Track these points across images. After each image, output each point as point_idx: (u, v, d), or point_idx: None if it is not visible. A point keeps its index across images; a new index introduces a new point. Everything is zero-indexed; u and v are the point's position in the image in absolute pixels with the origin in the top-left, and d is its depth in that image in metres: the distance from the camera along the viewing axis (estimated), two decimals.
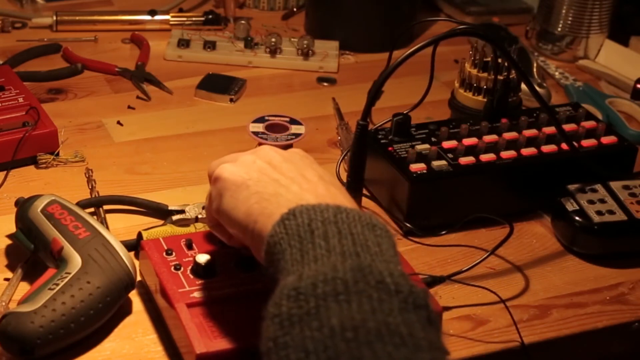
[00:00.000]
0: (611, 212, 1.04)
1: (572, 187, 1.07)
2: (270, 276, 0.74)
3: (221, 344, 0.83)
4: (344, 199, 0.77)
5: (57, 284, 0.87)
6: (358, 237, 0.71)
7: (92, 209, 1.05)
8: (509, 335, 0.92)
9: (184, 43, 1.42)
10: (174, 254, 0.92)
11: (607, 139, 1.13)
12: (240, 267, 0.91)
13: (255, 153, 0.83)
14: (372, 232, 0.73)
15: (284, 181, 0.79)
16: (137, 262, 0.95)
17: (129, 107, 1.28)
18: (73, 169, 1.14)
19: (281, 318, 0.66)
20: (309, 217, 0.73)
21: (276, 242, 0.73)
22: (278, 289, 0.68)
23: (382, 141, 1.10)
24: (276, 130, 1.14)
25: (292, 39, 1.43)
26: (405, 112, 1.13)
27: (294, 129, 1.15)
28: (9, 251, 0.99)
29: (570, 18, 1.45)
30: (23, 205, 0.97)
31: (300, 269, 0.69)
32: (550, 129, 1.12)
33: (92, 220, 0.94)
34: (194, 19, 1.50)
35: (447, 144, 1.09)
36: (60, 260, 0.90)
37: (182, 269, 0.90)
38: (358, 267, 0.67)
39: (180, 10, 1.54)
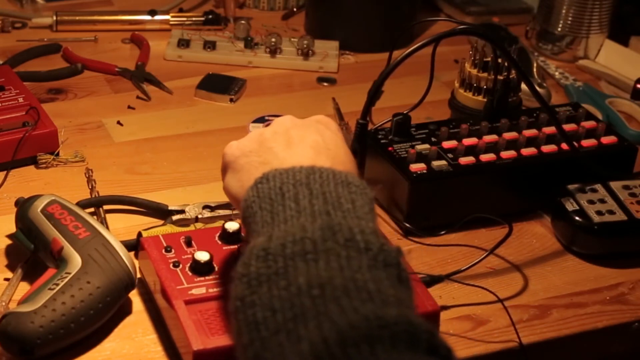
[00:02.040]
0: (611, 212, 1.04)
1: (572, 187, 1.07)
2: (246, 242, 0.74)
3: (219, 341, 0.83)
4: (331, 164, 0.77)
5: (57, 284, 0.87)
6: (330, 196, 0.72)
7: (92, 209, 1.05)
8: (509, 335, 0.92)
9: (184, 43, 1.42)
10: (173, 251, 0.92)
11: (607, 139, 1.13)
12: None
13: (271, 123, 0.84)
14: (347, 189, 0.73)
15: (277, 148, 0.79)
16: (137, 262, 0.95)
17: (129, 107, 1.28)
18: (73, 169, 1.14)
19: (249, 277, 0.66)
20: (281, 180, 0.73)
21: (248, 205, 0.74)
22: (247, 249, 0.69)
23: (382, 141, 1.10)
24: None
25: (292, 39, 1.43)
26: (405, 112, 1.13)
27: None
28: (9, 251, 1.00)
29: (570, 18, 1.45)
30: (23, 205, 0.97)
31: (270, 231, 0.70)
32: (550, 129, 1.12)
33: (92, 220, 0.94)
34: (194, 19, 1.50)
35: (447, 144, 1.09)
36: (60, 260, 0.90)
37: (180, 266, 0.90)
38: (327, 226, 0.68)
39: (180, 10, 1.54)
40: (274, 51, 1.41)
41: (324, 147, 0.79)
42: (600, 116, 1.26)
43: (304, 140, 0.80)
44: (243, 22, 1.45)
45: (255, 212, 0.73)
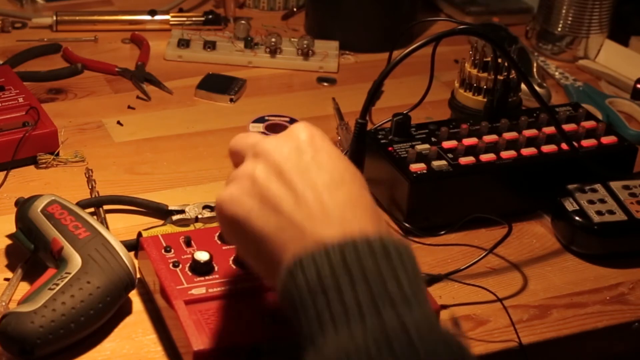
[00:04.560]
0: (611, 212, 1.04)
1: (572, 187, 1.07)
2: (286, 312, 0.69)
3: (219, 341, 0.83)
4: (355, 215, 0.69)
5: (57, 284, 0.87)
6: (374, 281, 0.64)
7: (92, 209, 1.05)
8: (509, 335, 0.92)
9: (184, 43, 1.42)
10: (172, 251, 0.92)
11: (607, 139, 1.13)
12: (238, 264, 0.91)
13: (257, 158, 0.74)
14: (388, 263, 0.65)
15: (286, 205, 0.69)
16: (137, 262, 0.95)
17: (129, 107, 1.28)
18: (73, 169, 1.14)
19: None
20: (316, 268, 0.65)
21: (288, 296, 0.67)
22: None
23: (382, 141, 1.10)
24: (276, 130, 1.15)
25: (292, 39, 1.43)
26: (405, 112, 1.13)
27: None
28: (9, 251, 0.99)
29: (570, 18, 1.45)
30: (23, 205, 0.97)
31: (320, 340, 0.64)
32: (550, 129, 1.12)
33: (92, 220, 0.94)
34: (194, 19, 1.50)
35: (447, 144, 1.09)
36: (60, 260, 0.90)
37: (180, 266, 0.90)
38: (382, 335, 0.61)
39: (180, 10, 1.54)
40: (274, 51, 1.41)
41: (335, 188, 0.70)
42: (600, 116, 1.26)
43: (311, 184, 0.70)
44: (243, 22, 1.45)
45: (299, 308, 0.66)
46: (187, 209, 1.05)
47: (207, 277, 0.89)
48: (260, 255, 0.71)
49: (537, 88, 1.12)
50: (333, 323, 0.63)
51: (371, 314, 0.63)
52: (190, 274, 0.90)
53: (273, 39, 1.41)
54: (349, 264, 0.65)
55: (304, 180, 0.70)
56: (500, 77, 1.16)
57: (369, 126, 1.02)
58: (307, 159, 0.72)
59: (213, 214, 1.05)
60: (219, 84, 1.33)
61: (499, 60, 1.16)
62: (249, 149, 0.76)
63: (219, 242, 0.94)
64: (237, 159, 0.79)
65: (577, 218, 1.03)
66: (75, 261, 0.89)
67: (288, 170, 0.71)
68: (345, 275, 0.64)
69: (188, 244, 0.93)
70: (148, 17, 1.49)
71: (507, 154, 1.09)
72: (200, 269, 0.90)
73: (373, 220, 0.69)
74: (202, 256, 0.90)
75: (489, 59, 1.18)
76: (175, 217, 1.04)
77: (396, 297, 0.64)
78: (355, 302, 0.63)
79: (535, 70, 1.39)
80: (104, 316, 0.88)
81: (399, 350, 0.60)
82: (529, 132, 1.12)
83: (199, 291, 0.88)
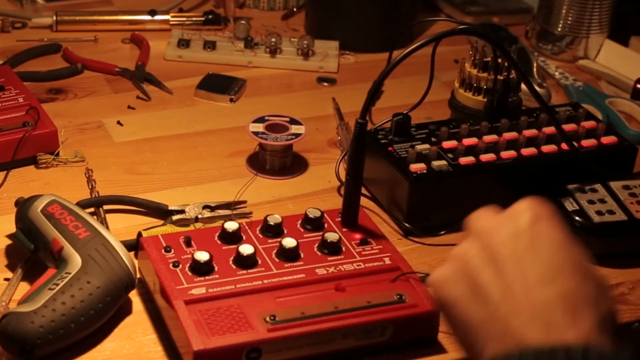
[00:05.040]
0: (611, 212, 1.04)
1: (572, 187, 1.07)
2: None
3: (219, 341, 0.83)
4: (563, 311, 0.63)
5: (57, 284, 0.87)
6: None
7: (92, 209, 1.05)
8: None
9: (184, 43, 1.42)
10: (172, 251, 0.92)
11: (607, 139, 1.13)
12: (238, 264, 0.91)
13: (475, 238, 0.69)
14: None
15: (494, 299, 0.64)
16: (137, 262, 0.95)
17: (129, 107, 1.28)
18: (73, 169, 1.14)
19: None
20: None
21: None
22: None
23: (382, 141, 1.10)
24: (276, 130, 1.14)
25: (292, 39, 1.43)
26: (405, 112, 1.13)
27: (294, 129, 1.15)
28: (9, 251, 0.99)
29: (570, 18, 1.45)
30: (23, 205, 0.97)
31: None
32: (550, 129, 1.12)
33: (92, 220, 0.94)
34: (194, 19, 1.50)
35: (447, 144, 1.09)
36: (60, 260, 0.90)
37: (180, 266, 0.90)
38: None
39: (180, 10, 1.54)
40: (274, 51, 1.41)
41: (544, 273, 0.64)
42: (600, 116, 1.26)
43: (522, 276, 0.64)
44: (243, 22, 1.45)
45: None
46: (187, 209, 1.05)
47: (207, 277, 0.89)
48: (465, 339, 0.67)
49: (537, 88, 1.12)
50: None
51: None
52: (190, 274, 0.90)
53: (273, 39, 1.41)
54: None
55: (515, 271, 0.65)
56: (500, 77, 1.16)
57: (369, 126, 1.02)
58: (524, 246, 0.66)
59: (213, 214, 1.05)
60: (219, 84, 1.33)
61: (499, 60, 1.16)
62: (473, 227, 0.71)
63: (219, 242, 0.94)
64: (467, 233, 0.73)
65: (577, 218, 1.03)
66: (75, 261, 0.89)
67: (502, 257, 0.66)
68: None
69: (188, 244, 0.93)
70: (148, 17, 1.49)
71: (507, 154, 1.09)
72: (200, 269, 0.90)
73: (583, 323, 0.62)
74: (202, 256, 0.90)
75: (489, 59, 1.18)
76: (175, 217, 1.04)
77: None
78: None
79: (535, 70, 1.39)
80: (104, 316, 0.88)
81: None
82: (529, 132, 1.12)
83: (199, 291, 0.88)
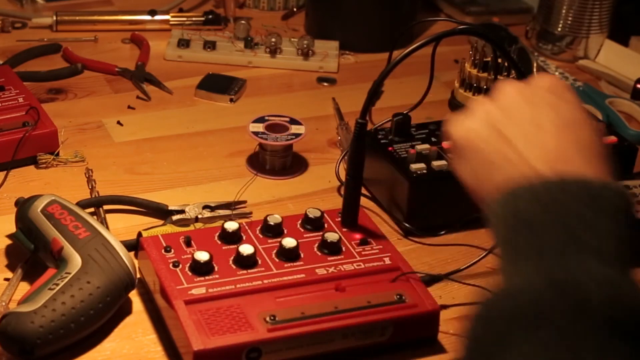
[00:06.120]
0: None
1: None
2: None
3: (219, 341, 0.83)
4: (578, 157, 0.68)
5: (57, 284, 0.87)
6: (570, 226, 0.62)
7: (92, 209, 1.05)
8: None
9: (184, 43, 1.42)
10: (172, 251, 0.92)
11: (607, 139, 1.13)
12: (238, 264, 0.91)
13: (494, 96, 0.75)
14: (594, 209, 0.63)
15: (515, 139, 0.70)
16: (137, 262, 0.95)
17: (129, 107, 1.28)
18: (73, 169, 1.14)
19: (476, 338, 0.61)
20: (524, 200, 0.65)
21: (492, 220, 0.67)
22: (494, 292, 0.63)
23: (382, 141, 1.10)
24: (276, 130, 1.15)
25: (292, 39, 1.43)
26: (405, 112, 1.13)
27: (294, 129, 1.15)
28: (9, 251, 0.99)
29: (570, 18, 1.45)
30: (23, 205, 0.97)
31: (508, 278, 0.64)
32: None
33: (92, 220, 0.94)
34: (194, 19, 1.50)
35: (447, 144, 1.09)
36: (60, 260, 0.90)
37: (180, 266, 0.90)
38: (556, 276, 0.59)
39: (180, 10, 1.54)
40: (274, 51, 1.41)
41: (564, 128, 0.70)
42: (600, 116, 1.26)
43: (542, 126, 0.70)
44: (243, 22, 1.45)
45: (497, 235, 0.67)
46: (187, 209, 1.05)
47: (207, 277, 0.89)
48: (477, 177, 0.73)
49: None
50: (524, 255, 0.64)
51: (554, 257, 0.61)
52: (190, 274, 0.90)
53: (273, 39, 1.41)
54: (557, 202, 0.64)
55: (532, 123, 0.71)
56: (500, 77, 1.16)
57: (369, 126, 1.02)
58: (543, 103, 0.72)
59: (213, 214, 1.05)
60: (219, 84, 1.33)
61: (499, 60, 1.16)
62: (496, 91, 0.76)
63: (219, 242, 0.94)
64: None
65: None
66: (75, 261, 0.89)
67: (520, 110, 0.72)
68: (547, 213, 0.63)
69: (188, 244, 0.93)
70: (148, 17, 1.49)
71: None
72: (200, 269, 0.90)
73: (596, 166, 0.68)
74: (202, 256, 0.90)
75: (489, 59, 1.19)
76: (175, 217, 1.04)
77: (587, 248, 0.61)
78: (545, 241, 0.62)
79: (535, 70, 1.39)
80: (104, 316, 0.88)
81: (567, 302, 0.57)
82: None
83: (199, 291, 0.88)
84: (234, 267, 0.91)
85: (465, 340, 0.61)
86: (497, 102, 0.74)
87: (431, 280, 0.97)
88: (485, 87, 1.19)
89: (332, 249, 0.94)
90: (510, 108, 0.73)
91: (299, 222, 0.98)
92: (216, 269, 0.90)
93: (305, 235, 0.96)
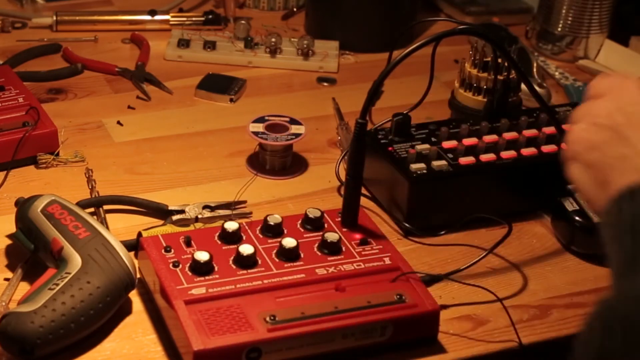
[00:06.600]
0: None
1: (572, 187, 1.07)
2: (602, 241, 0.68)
3: (219, 341, 0.83)
4: None
5: (57, 284, 0.87)
6: None
7: (92, 209, 1.05)
8: (509, 335, 0.92)
9: (184, 43, 1.42)
10: (172, 251, 0.92)
11: None
12: (238, 264, 0.91)
13: (615, 96, 0.73)
14: None
15: (635, 138, 0.69)
16: (137, 262, 0.95)
17: (129, 107, 1.28)
18: (73, 169, 1.14)
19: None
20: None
21: (607, 223, 0.66)
22: (611, 297, 0.62)
23: (382, 141, 1.10)
24: (276, 130, 1.14)
25: (292, 39, 1.43)
26: (405, 112, 1.13)
27: (294, 129, 1.15)
28: (9, 251, 0.99)
29: (570, 18, 1.45)
30: (23, 205, 0.97)
31: (622, 282, 0.63)
32: (550, 129, 1.12)
33: (92, 220, 0.94)
34: (194, 19, 1.50)
35: (447, 144, 1.09)
36: (60, 260, 0.90)
37: (180, 266, 0.90)
38: None
39: (180, 10, 1.54)
40: (274, 51, 1.41)
41: None
42: None
43: None
44: (243, 22, 1.45)
45: (613, 238, 0.65)
46: (187, 209, 1.05)
47: (207, 277, 0.89)
48: (595, 181, 0.71)
49: (537, 88, 1.12)
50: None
51: None
52: (190, 274, 0.90)
53: (273, 39, 1.41)
54: None
55: None
56: (500, 77, 1.16)
57: (369, 126, 1.02)
58: None
59: (213, 214, 1.05)
60: (219, 84, 1.33)
61: (499, 60, 1.16)
62: (597, 88, 0.76)
63: (219, 242, 0.94)
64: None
65: (577, 218, 1.03)
66: (75, 261, 0.89)
67: (633, 110, 0.71)
68: None
69: (188, 244, 0.93)
70: (148, 17, 1.49)
71: (507, 154, 1.09)
72: (200, 269, 0.90)
73: None
74: (202, 256, 0.90)
75: (489, 59, 1.18)
76: (175, 217, 1.04)
77: None
78: None
79: (535, 70, 1.39)
80: (104, 316, 0.88)
81: None
82: (529, 132, 1.12)
83: (199, 291, 0.88)
84: (234, 267, 0.91)
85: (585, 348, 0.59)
86: (613, 101, 0.72)
87: (431, 280, 0.97)
88: (485, 86, 1.19)
89: (332, 249, 0.94)
90: (625, 104, 0.71)
91: (299, 222, 0.98)
92: (216, 269, 0.90)
93: (305, 235, 0.96)
